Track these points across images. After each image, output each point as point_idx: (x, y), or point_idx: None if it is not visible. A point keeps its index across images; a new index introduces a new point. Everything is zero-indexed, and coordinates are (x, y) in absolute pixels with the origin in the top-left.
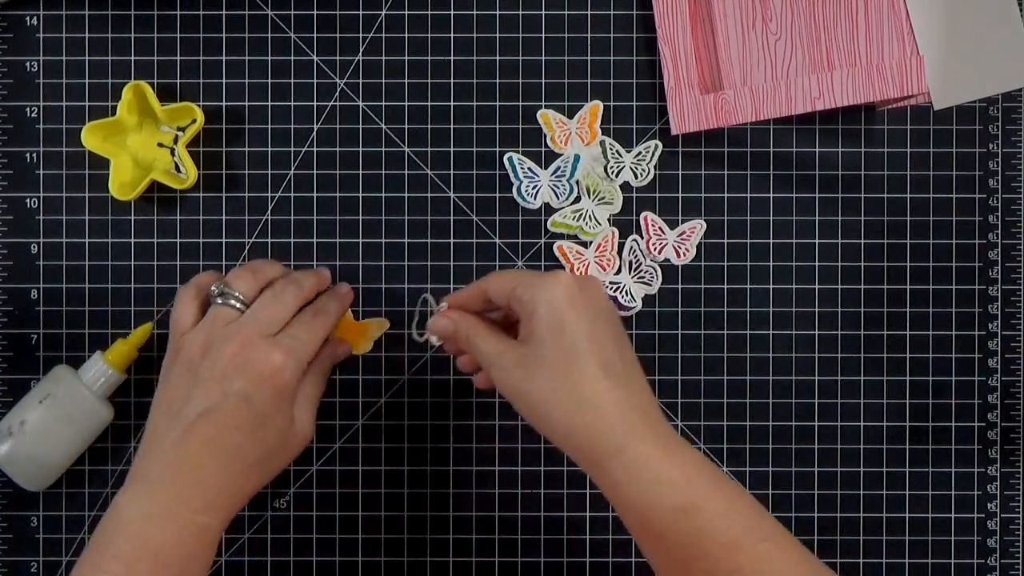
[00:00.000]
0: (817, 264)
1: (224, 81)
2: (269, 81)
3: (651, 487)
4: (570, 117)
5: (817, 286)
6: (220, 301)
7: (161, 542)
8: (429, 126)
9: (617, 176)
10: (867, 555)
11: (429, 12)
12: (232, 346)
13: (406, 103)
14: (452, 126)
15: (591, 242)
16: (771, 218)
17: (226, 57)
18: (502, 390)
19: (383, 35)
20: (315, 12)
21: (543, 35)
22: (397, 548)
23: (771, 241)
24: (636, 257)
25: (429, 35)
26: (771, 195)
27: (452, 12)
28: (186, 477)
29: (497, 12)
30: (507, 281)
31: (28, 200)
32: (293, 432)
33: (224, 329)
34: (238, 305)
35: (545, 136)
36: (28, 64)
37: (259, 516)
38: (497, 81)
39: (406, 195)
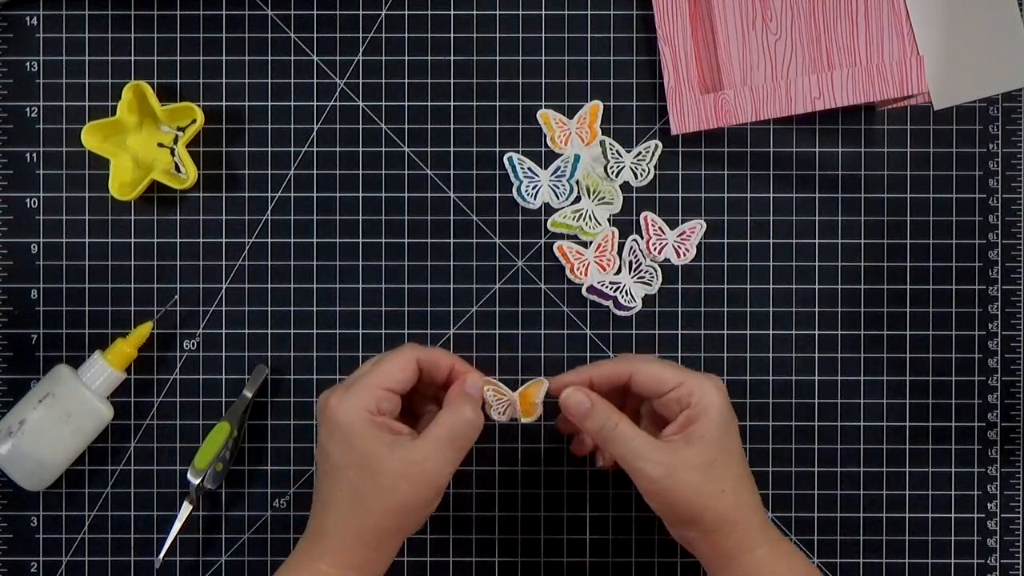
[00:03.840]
0: (817, 264)
1: (224, 81)
2: (269, 81)
3: None
4: (570, 117)
5: (817, 286)
6: None
7: None
8: (429, 126)
9: (617, 176)
10: (867, 555)
11: (429, 12)
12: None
13: (406, 103)
14: (452, 126)
15: (591, 242)
16: (771, 218)
17: (226, 57)
18: (641, 483)
19: (383, 35)
20: (315, 12)
21: (543, 35)
22: None
23: (771, 241)
24: (636, 257)
25: (429, 35)
26: (771, 195)
27: (452, 12)
28: (310, 527)
29: (497, 12)
30: (663, 378)
31: (28, 200)
32: (391, 467)
33: None
34: None
35: (545, 136)
36: (28, 64)
37: (259, 516)
38: (497, 81)
39: (406, 195)
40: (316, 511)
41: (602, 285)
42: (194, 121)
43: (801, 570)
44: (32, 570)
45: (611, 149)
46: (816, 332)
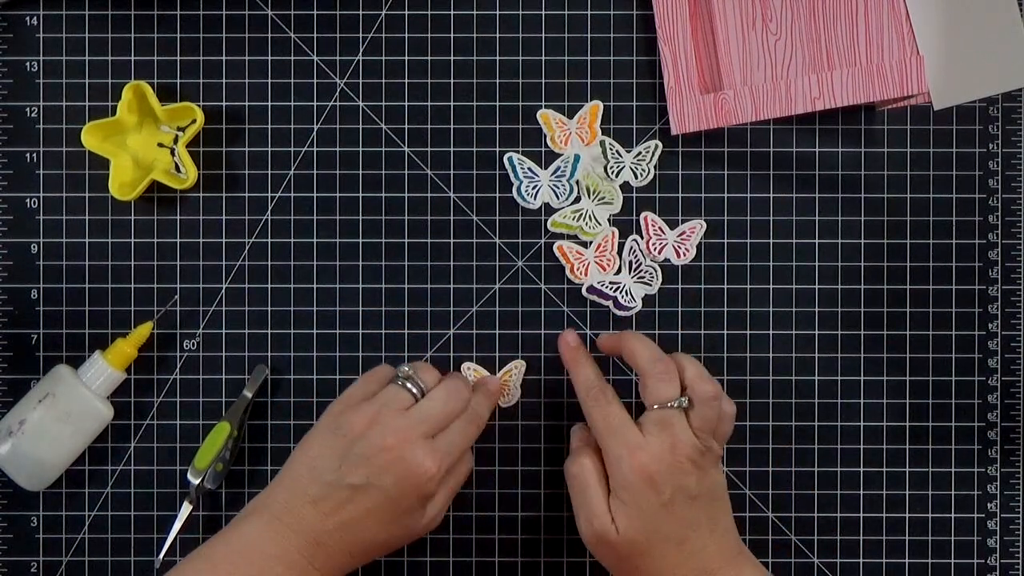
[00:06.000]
0: (817, 264)
1: (224, 81)
2: (269, 81)
3: None
4: (570, 117)
5: (817, 286)
6: (400, 383)
7: None
8: (429, 126)
9: (617, 176)
10: (867, 555)
11: (429, 12)
12: (392, 439)
13: (406, 103)
14: (452, 126)
15: (591, 242)
16: (771, 218)
17: (226, 57)
18: (586, 535)
19: (383, 35)
20: (315, 12)
21: (543, 35)
22: None
23: (771, 241)
24: (636, 257)
25: (429, 35)
26: (771, 195)
27: (452, 12)
28: (311, 536)
29: (497, 12)
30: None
31: (28, 200)
32: (421, 523)
33: (392, 416)
34: (415, 391)
35: (545, 136)
36: (28, 64)
37: None
38: (497, 81)
39: (406, 195)
40: (331, 525)
41: (602, 285)
42: (194, 121)
43: None
44: (32, 570)
45: (611, 149)
46: (816, 332)
